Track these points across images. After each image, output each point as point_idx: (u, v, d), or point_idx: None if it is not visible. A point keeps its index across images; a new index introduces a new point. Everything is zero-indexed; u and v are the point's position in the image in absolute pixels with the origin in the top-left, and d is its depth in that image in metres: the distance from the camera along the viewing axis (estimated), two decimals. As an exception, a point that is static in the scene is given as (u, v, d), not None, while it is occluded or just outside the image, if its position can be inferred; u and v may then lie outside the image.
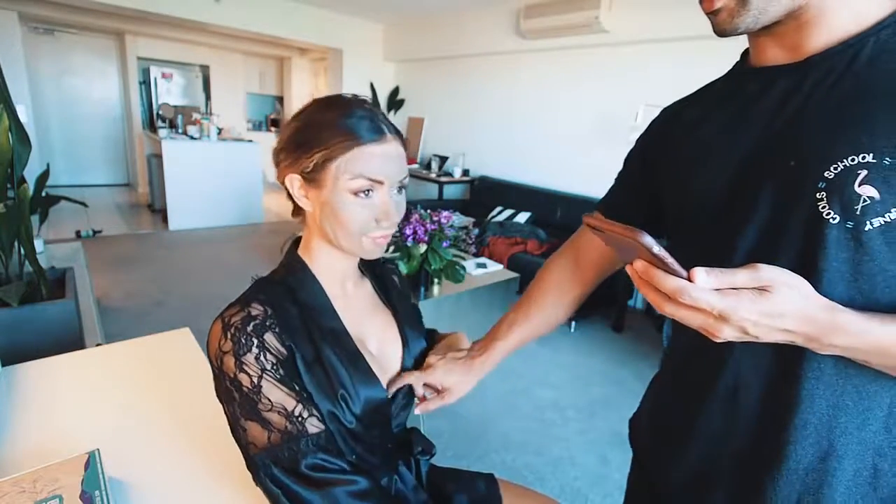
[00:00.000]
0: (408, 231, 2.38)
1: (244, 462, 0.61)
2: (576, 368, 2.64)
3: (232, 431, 0.62)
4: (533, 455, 1.91)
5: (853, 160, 0.44)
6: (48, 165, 2.43)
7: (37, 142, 5.21)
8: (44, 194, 2.12)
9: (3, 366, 1.05)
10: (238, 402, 0.60)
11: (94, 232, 4.47)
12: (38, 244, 2.21)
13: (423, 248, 2.25)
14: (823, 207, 0.45)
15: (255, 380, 0.59)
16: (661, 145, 0.67)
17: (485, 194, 4.56)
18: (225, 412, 0.62)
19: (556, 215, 3.87)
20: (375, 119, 0.64)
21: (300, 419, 0.59)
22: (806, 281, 0.44)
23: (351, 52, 5.37)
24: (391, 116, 5.80)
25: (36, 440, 0.85)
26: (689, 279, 0.42)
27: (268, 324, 0.62)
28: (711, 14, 0.50)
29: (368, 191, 0.63)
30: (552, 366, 2.65)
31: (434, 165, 5.00)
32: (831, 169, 0.45)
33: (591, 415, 2.21)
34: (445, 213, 2.28)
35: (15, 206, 1.36)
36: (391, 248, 2.27)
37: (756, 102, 0.54)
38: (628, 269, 0.46)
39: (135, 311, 2.99)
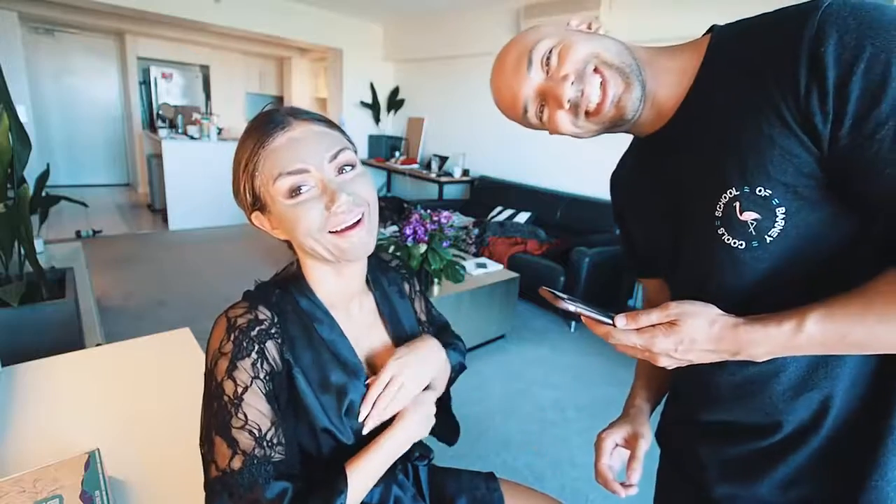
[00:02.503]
0: (408, 231, 2.37)
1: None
2: (576, 368, 2.63)
3: (200, 443, 0.58)
4: (533, 455, 1.91)
5: (726, 196, 0.51)
6: (48, 165, 2.43)
7: (37, 142, 5.20)
8: (44, 194, 2.12)
9: (3, 366, 1.05)
10: (214, 412, 0.57)
11: (94, 232, 4.46)
12: (38, 244, 2.21)
13: (423, 248, 2.25)
14: (728, 239, 0.52)
15: (240, 390, 0.56)
16: (620, 211, 0.77)
17: (485, 194, 4.56)
18: (200, 421, 0.59)
19: (556, 215, 3.87)
20: (274, 115, 0.60)
21: (269, 444, 0.56)
22: (711, 306, 0.52)
23: (351, 52, 5.37)
24: (391, 116, 5.80)
25: (36, 440, 0.85)
26: (614, 324, 0.53)
27: (272, 331, 0.60)
28: (594, 114, 0.54)
29: (300, 187, 0.57)
30: (552, 366, 2.65)
31: (434, 165, 4.99)
32: (717, 208, 0.53)
33: (591, 415, 2.21)
34: (445, 213, 2.28)
35: (15, 206, 1.36)
36: (391, 248, 2.26)
37: (655, 168, 0.63)
38: None
39: (135, 311, 2.98)
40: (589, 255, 2.94)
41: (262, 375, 0.57)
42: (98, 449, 0.74)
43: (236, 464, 0.54)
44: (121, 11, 4.14)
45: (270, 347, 0.59)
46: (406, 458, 0.77)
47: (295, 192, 0.57)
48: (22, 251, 1.50)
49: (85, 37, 6.21)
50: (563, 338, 3.01)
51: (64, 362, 1.11)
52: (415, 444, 0.78)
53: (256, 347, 0.58)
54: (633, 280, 3.09)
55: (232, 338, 0.58)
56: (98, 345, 1.39)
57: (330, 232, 0.58)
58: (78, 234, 4.38)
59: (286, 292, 0.65)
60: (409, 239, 2.38)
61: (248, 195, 0.61)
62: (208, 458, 0.56)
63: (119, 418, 0.93)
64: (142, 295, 3.21)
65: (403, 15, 5.03)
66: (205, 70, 7.14)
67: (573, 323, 3.13)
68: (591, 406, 2.28)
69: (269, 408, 0.57)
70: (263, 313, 0.60)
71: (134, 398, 1.00)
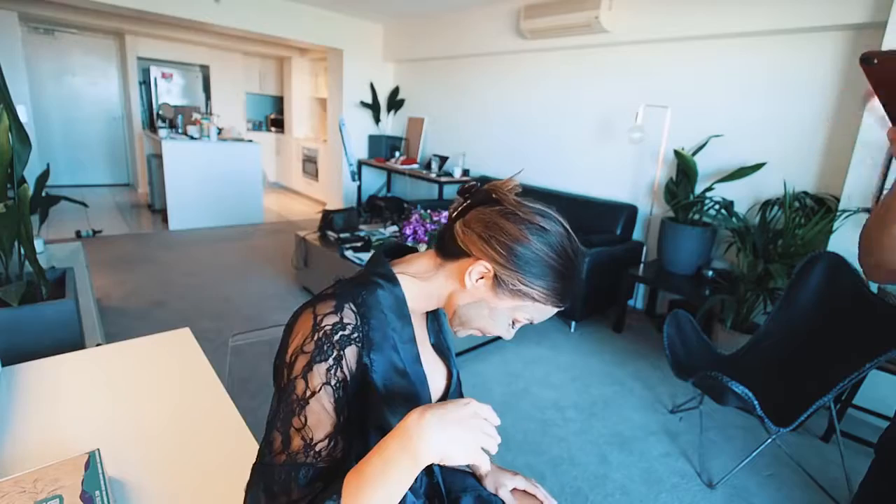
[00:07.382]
0: (408, 231, 2.38)
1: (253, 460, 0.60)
2: (576, 369, 2.64)
3: (266, 424, 0.60)
4: (533, 455, 1.91)
5: None
6: (48, 165, 2.44)
7: (37, 142, 5.20)
8: (44, 194, 2.13)
9: (3, 366, 1.05)
10: (280, 406, 0.58)
11: (94, 232, 4.47)
12: (38, 244, 2.21)
13: (423, 248, 2.26)
14: None
15: (309, 393, 0.57)
16: None
17: (485, 194, 4.56)
18: (271, 405, 0.61)
19: (556, 215, 3.86)
20: (572, 287, 0.69)
21: (317, 454, 0.57)
22: None
23: (351, 52, 5.37)
24: (391, 116, 5.81)
25: (36, 440, 0.85)
26: None
27: (354, 336, 0.61)
28: None
29: (516, 324, 0.71)
30: (552, 366, 2.65)
31: (434, 165, 4.99)
32: None
33: (591, 415, 2.21)
34: (445, 214, 2.29)
35: (15, 206, 1.36)
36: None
37: None
38: None
39: (135, 311, 2.98)
40: (589, 255, 2.94)
41: (333, 382, 0.58)
42: (98, 449, 0.75)
43: (279, 459, 0.56)
44: (121, 11, 4.14)
45: (349, 353, 0.60)
46: None
47: (514, 323, 0.71)
48: (22, 251, 1.50)
49: (85, 37, 6.21)
50: (563, 338, 3.01)
51: (64, 362, 1.11)
52: None
53: (335, 353, 0.59)
54: (633, 280, 3.09)
55: (315, 338, 0.59)
56: (98, 345, 1.39)
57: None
58: (78, 234, 4.38)
59: (374, 295, 0.66)
60: (409, 239, 2.38)
61: (513, 283, 0.65)
62: (262, 445, 0.59)
63: (119, 418, 0.93)
64: (142, 295, 3.22)
65: (403, 15, 5.03)
66: (205, 70, 7.14)
67: (573, 323, 3.13)
68: (591, 406, 2.28)
69: (333, 418, 0.58)
70: (348, 316, 0.61)
71: (134, 398, 1.00)
